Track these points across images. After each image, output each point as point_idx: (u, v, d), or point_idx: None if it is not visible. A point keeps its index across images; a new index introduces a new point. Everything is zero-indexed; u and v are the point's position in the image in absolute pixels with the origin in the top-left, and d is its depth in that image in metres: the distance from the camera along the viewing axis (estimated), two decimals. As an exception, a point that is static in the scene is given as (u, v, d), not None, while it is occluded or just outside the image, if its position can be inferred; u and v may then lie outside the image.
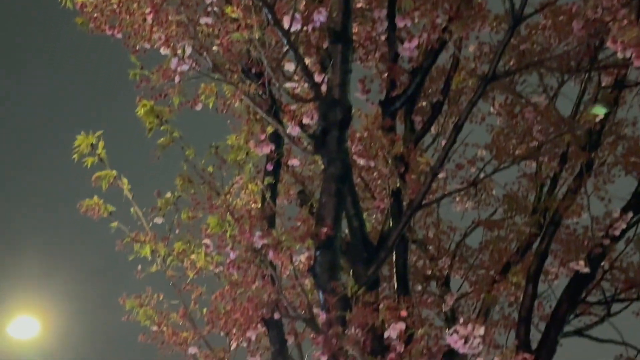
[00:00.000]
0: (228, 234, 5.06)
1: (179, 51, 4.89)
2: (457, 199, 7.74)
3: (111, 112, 11.11)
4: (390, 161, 5.68)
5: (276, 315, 5.14)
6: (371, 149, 5.67)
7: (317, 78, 5.17)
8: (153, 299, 5.81)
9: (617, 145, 7.28)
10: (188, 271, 5.58)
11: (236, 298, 5.24)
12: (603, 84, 7.09)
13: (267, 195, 5.38)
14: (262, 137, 5.35)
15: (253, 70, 5.12)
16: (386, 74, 6.14)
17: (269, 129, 5.36)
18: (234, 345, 5.83)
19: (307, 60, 5.48)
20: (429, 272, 7.46)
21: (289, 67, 5.44)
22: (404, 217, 5.63)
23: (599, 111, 6.60)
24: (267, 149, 5.36)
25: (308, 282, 5.64)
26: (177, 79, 4.99)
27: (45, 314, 11.29)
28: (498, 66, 5.59)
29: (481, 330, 4.76)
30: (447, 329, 5.03)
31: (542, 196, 7.20)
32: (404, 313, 4.86)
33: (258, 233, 4.89)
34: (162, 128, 5.30)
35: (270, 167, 5.51)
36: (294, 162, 5.86)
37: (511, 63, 6.67)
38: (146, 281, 5.68)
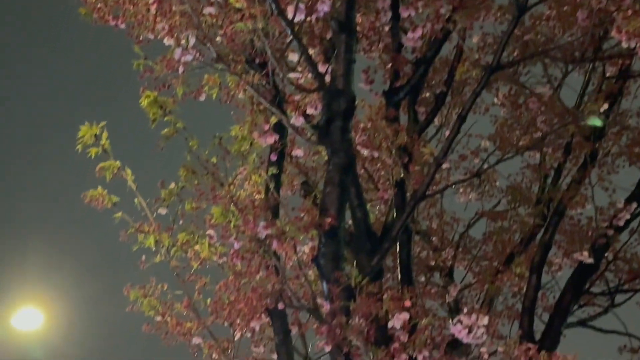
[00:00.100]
0: (232, 224, 5.06)
1: (183, 41, 4.89)
2: (461, 190, 7.74)
3: (115, 103, 11.11)
4: (394, 152, 5.68)
5: (280, 306, 5.15)
6: (375, 140, 5.67)
7: (321, 68, 5.16)
8: (157, 289, 5.81)
9: (621, 136, 7.27)
10: (192, 262, 5.59)
11: (240, 288, 5.25)
12: (607, 74, 7.08)
13: (271, 186, 5.38)
14: (266, 127, 5.34)
15: (257, 61, 5.11)
16: (390, 65, 6.14)
17: (273, 120, 5.36)
18: (237, 335, 5.83)
19: (311, 51, 5.47)
20: (433, 263, 7.47)
21: (293, 57, 5.43)
22: (407, 207, 5.63)
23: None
24: (271, 139, 5.36)
25: (312, 273, 5.65)
26: (180, 69, 4.98)
27: (49, 306, 11.31)
28: (502, 57, 5.58)
29: (485, 320, 4.76)
30: (450, 320, 5.02)
31: (546, 187, 7.20)
32: (407, 303, 4.87)
33: (262, 223, 4.89)
34: (165, 119, 5.29)
35: (274, 158, 5.51)
36: (298, 152, 5.86)
37: (515, 54, 6.66)
38: (150, 272, 5.69)
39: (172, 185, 5.50)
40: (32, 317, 11.11)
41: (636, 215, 7.17)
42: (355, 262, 5.41)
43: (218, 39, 4.99)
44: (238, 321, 5.46)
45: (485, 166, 6.63)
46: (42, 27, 12.18)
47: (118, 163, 5.35)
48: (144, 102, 5.24)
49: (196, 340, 5.89)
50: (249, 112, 5.46)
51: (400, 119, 6.16)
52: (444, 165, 7.12)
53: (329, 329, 4.70)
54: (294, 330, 5.81)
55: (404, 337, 4.84)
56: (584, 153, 6.97)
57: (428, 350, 4.81)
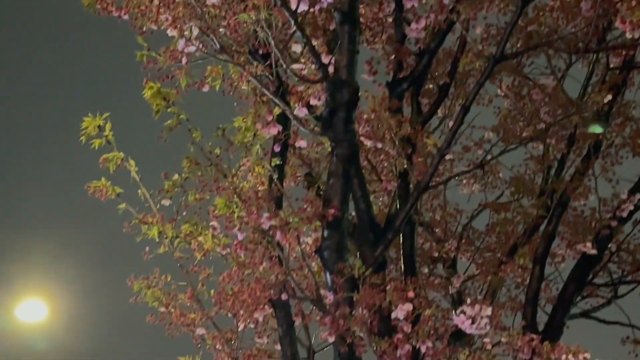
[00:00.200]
0: (235, 215, 5.06)
1: (186, 32, 4.88)
2: (464, 181, 7.74)
3: (118, 94, 11.11)
4: (397, 143, 5.67)
5: (283, 297, 5.16)
6: (378, 131, 5.66)
7: (324, 59, 5.14)
8: (161, 280, 5.83)
9: (625, 127, 7.26)
10: (196, 253, 5.60)
11: (244, 279, 5.26)
12: (611, 65, 7.07)
13: (275, 177, 5.38)
14: (269, 118, 5.34)
15: (260, 52, 5.10)
16: (393, 56, 6.13)
17: (276, 111, 5.35)
18: (241, 326, 5.85)
19: (314, 42, 5.47)
20: (436, 254, 7.47)
21: (296, 48, 5.42)
22: (411, 198, 5.62)
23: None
24: (274, 130, 5.36)
25: (315, 264, 5.66)
26: (184, 60, 4.97)
27: (53, 298, 11.34)
28: (505, 48, 5.56)
29: (488, 311, 4.76)
30: (453, 311, 5.02)
31: (550, 178, 7.20)
32: (411, 294, 4.87)
33: (265, 214, 4.89)
34: (169, 110, 5.29)
35: (277, 149, 5.51)
36: (301, 143, 5.86)
37: (519, 45, 6.65)
38: (154, 263, 5.70)
39: (176, 176, 5.50)
40: (35, 309, 11.15)
41: (640, 207, 7.18)
42: (358, 253, 5.41)
43: (221, 30, 4.97)
44: (242, 312, 5.48)
45: (489, 157, 6.63)
46: (45, 19, 12.18)
47: (121, 154, 5.35)
48: (147, 94, 5.24)
49: (200, 331, 5.91)
50: (252, 104, 5.46)
51: (403, 110, 6.16)
52: (448, 157, 7.12)
53: (332, 319, 4.71)
54: (298, 321, 5.83)
55: (407, 328, 4.85)
56: (588, 144, 6.97)
57: (431, 340, 4.81)
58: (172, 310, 5.85)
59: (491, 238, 7.65)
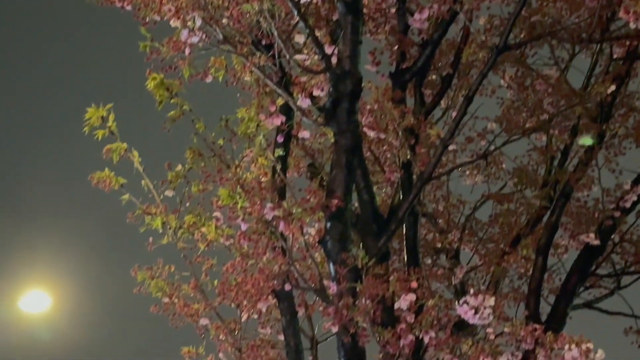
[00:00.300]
0: (239, 206, 5.07)
1: (189, 23, 4.88)
2: (467, 172, 7.73)
3: (121, 85, 11.11)
4: (400, 133, 5.67)
5: (287, 287, 5.17)
6: (381, 121, 5.66)
7: (328, 50, 5.15)
8: (164, 270, 5.84)
9: (628, 117, 7.25)
10: (199, 243, 5.60)
11: (247, 270, 5.27)
12: (615, 56, 7.05)
13: (278, 168, 5.39)
14: (273, 109, 5.34)
15: (263, 42, 5.11)
16: (396, 46, 6.12)
17: (279, 101, 5.35)
18: (244, 316, 5.87)
19: (318, 32, 5.46)
20: (439, 245, 7.47)
21: (299, 39, 5.42)
22: (414, 189, 5.63)
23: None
24: (278, 121, 5.36)
25: (318, 255, 5.66)
26: (187, 51, 4.97)
27: (56, 288, 11.37)
28: (509, 38, 5.56)
29: (491, 301, 4.77)
30: (456, 301, 5.04)
31: (553, 169, 7.19)
32: (414, 284, 4.88)
33: (269, 205, 4.90)
34: (172, 101, 5.29)
35: (280, 140, 5.51)
36: (305, 134, 5.86)
37: (522, 35, 6.63)
38: (157, 253, 5.71)
39: (179, 167, 5.51)
40: (39, 300, 11.18)
41: (643, 197, 7.16)
42: (361, 244, 5.42)
43: (224, 20, 4.97)
44: (245, 302, 5.49)
45: (492, 148, 6.62)
46: (48, 9, 12.17)
47: (125, 145, 5.35)
48: (151, 84, 5.24)
49: (203, 321, 5.93)
50: (255, 94, 5.46)
51: (406, 101, 6.15)
52: (451, 148, 7.11)
53: (335, 310, 4.72)
54: (301, 312, 5.85)
55: (410, 318, 4.86)
56: (591, 135, 6.96)
57: (434, 331, 4.82)
58: (176, 300, 5.86)
59: (494, 229, 7.65)
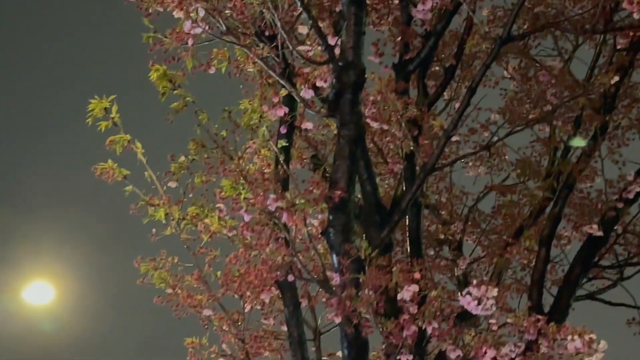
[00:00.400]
0: (242, 197, 5.07)
1: (192, 14, 4.87)
2: (470, 163, 7.72)
3: (124, 76, 11.11)
4: (403, 124, 5.67)
5: (290, 278, 5.17)
6: (384, 113, 5.65)
7: (331, 41, 5.14)
8: (167, 262, 5.86)
9: (631, 109, 7.23)
10: (202, 234, 5.62)
11: (250, 261, 5.28)
12: (618, 47, 7.03)
13: (281, 159, 5.39)
14: (276, 100, 5.34)
15: (266, 33, 5.10)
16: (399, 37, 6.12)
17: (282, 93, 5.36)
18: (248, 307, 5.89)
19: (321, 23, 5.46)
20: (442, 237, 7.47)
21: (302, 30, 5.42)
22: (417, 180, 5.63)
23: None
24: (281, 112, 5.36)
25: (321, 246, 5.67)
26: (190, 42, 4.97)
27: (59, 280, 11.39)
28: (512, 29, 5.55)
29: (494, 292, 4.77)
30: (459, 292, 5.04)
31: (556, 160, 7.18)
32: (417, 275, 4.88)
33: (272, 196, 4.90)
34: (175, 92, 5.30)
35: (283, 131, 5.51)
36: (308, 125, 5.86)
37: (525, 26, 6.62)
38: (160, 245, 5.72)
39: (182, 158, 5.51)
40: (42, 291, 11.20)
41: (646, 188, 7.15)
42: (364, 235, 5.42)
43: (227, 11, 4.97)
44: (248, 293, 5.51)
45: (495, 139, 6.61)
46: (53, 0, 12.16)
47: (128, 136, 5.36)
48: (154, 76, 5.24)
49: (206, 312, 5.95)
50: (258, 86, 5.46)
51: (409, 92, 6.15)
52: (454, 139, 7.11)
53: (338, 301, 4.72)
54: (304, 303, 5.86)
55: (413, 309, 4.87)
56: (594, 126, 6.95)
57: (437, 321, 4.83)
58: (179, 291, 5.88)
59: (497, 220, 7.64)
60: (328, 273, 5.09)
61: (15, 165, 12.44)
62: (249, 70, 5.43)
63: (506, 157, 7.63)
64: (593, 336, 4.74)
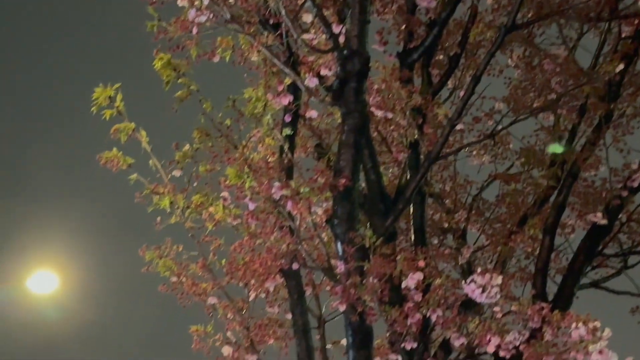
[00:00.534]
0: (246, 185, 5.08)
1: (197, 2, 4.87)
2: (474, 152, 7.71)
3: (128, 65, 11.11)
4: (408, 113, 5.67)
5: (294, 266, 5.19)
6: (389, 101, 5.65)
7: (335, 29, 5.13)
8: (172, 250, 5.87)
9: (636, 97, 7.21)
10: (207, 223, 5.62)
11: (255, 249, 5.29)
12: (623, 35, 7.01)
13: (285, 147, 5.39)
14: (280, 88, 5.34)
15: (270, 22, 5.10)
16: (404, 26, 6.11)
17: (287, 81, 5.35)
18: (252, 295, 5.89)
19: (325, 12, 5.45)
20: (446, 225, 7.47)
21: (307, 18, 5.40)
22: (421, 168, 5.63)
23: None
24: (285, 100, 5.36)
25: (326, 235, 5.68)
26: (194, 30, 4.97)
27: (64, 268, 11.41)
28: (516, 18, 5.53)
29: (499, 280, 4.78)
30: (463, 281, 5.05)
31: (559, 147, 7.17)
32: (421, 263, 4.89)
33: (276, 184, 4.90)
34: (179, 81, 5.29)
35: (288, 119, 5.51)
36: (312, 114, 5.85)
37: (530, 14, 6.60)
38: (165, 233, 5.73)
39: (187, 147, 5.52)
40: (47, 280, 11.22)
41: (651, 177, 7.14)
42: (369, 223, 5.43)
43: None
44: (253, 282, 5.52)
45: (499, 128, 6.60)
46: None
47: (133, 125, 5.36)
48: (158, 64, 5.24)
49: (211, 300, 5.96)
50: (262, 74, 5.46)
51: (414, 80, 6.14)
52: (458, 127, 7.09)
53: (343, 289, 4.74)
54: (308, 291, 5.86)
55: (417, 297, 4.88)
56: (599, 114, 6.94)
57: (441, 309, 4.84)
58: (184, 279, 5.89)
59: (501, 209, 7.64)
60: (332, 261, 5.11)
61: (19, 155, 12.46)
62: (253, 58, 5.42)
63: (510, 145, 7.61)
64: (597, 324, 4.75)
